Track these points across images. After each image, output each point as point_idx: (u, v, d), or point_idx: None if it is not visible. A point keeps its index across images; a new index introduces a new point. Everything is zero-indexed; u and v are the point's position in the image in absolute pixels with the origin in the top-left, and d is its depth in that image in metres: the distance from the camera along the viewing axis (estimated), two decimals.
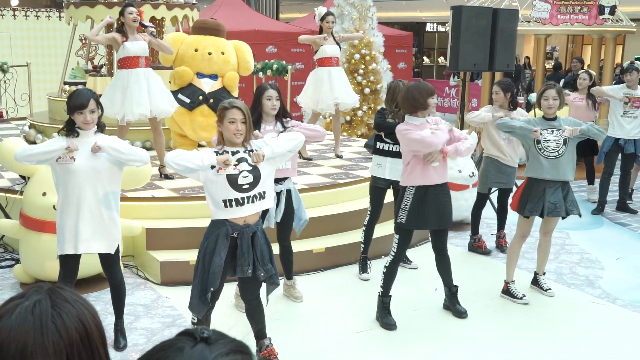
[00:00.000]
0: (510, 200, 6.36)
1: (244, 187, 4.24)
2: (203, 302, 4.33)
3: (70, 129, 4.56)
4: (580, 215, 5.90)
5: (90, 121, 4.50)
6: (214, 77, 8.41)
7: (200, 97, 8.25)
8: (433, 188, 5.26)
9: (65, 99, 4.62)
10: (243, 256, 4.31)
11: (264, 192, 4.35)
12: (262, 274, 4.40)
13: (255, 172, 4.28)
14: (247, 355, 1.14)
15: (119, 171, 4.68)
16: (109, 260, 4.83)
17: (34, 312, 1.36)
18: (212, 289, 4.30)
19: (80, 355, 1.37)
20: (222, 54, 8.46)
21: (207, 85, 8.35)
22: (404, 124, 5.26)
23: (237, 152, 4.28)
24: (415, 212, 5.26)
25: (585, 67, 11.94)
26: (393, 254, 5.40)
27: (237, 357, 1.12)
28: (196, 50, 8.32)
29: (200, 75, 8.36)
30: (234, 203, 4.25)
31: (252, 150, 4.30)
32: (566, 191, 5.78)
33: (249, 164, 4.27)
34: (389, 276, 5.44)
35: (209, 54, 8.35)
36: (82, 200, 4.58)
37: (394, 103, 6.08)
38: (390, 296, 5.45)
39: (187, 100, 8.24)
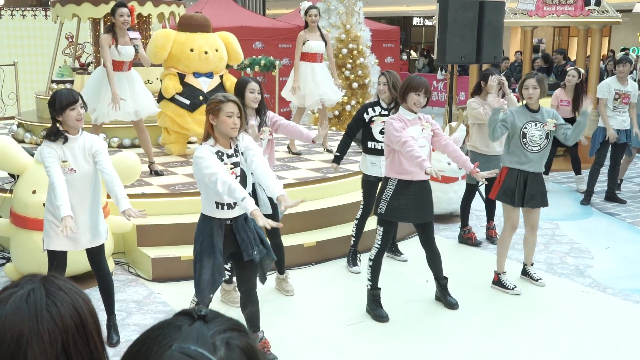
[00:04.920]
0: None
1: None
2: (212, 291, 4.44)
3: (57, 135, 4.52)
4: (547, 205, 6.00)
5: (82, 117, 4.52)
6: (209, 75, 8.42)
7: (201, 98, 8.25)
8: (415, 183, 5.29)
9: (48, 100, 4.56)
10: (244, 242, 4.38)
11: (249, 192, 4.43)
12: (258, 255, 4.46)
13: (244, 176, 4.36)
14: (244, 333, 1.16)
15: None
16: (95, 253, 4.85)
17: (28, 301, 1.36)
18: (222, 280, 4.43)
19: (75, 342, 1.37)
20: (217, 51, 8.44)
21: (205, 84, 8.35)
22: (396, 117, 5.28)
23: (232, 155, 4.30)
24: (395, 204, 5.28)
25: (571, 60, 12.00)
26: (378, 245, 5.42)
27: (234, 334, 1.13)
28: (192, 50, 8.28)
29: (197, 74, 8.35)
30: (225, 207, 4.33)
31: (242, 152, 4.36)
32: (541, 181, 5.90)
33: (241, 169, 4.33)
34: (375, 268, 5.46)
35: (205, 53, 8.32)
36: (81, 204, 4.64)
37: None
38: (380, 288, 5.47)
39: (187, 102, 8.25)
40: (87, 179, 4.63)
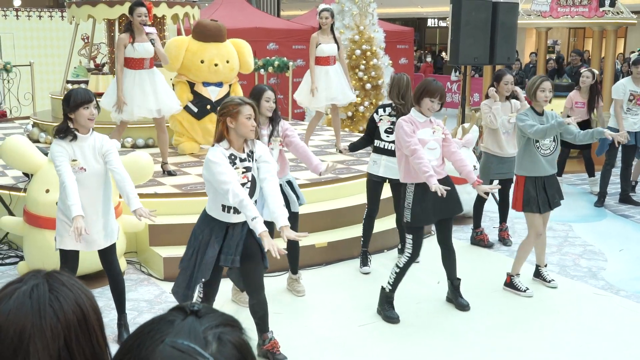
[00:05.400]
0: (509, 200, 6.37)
1: None
2: (191, 292, 4.40)
3: (66, 132, 4.55)
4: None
5: (94, 117, 4.55)
6: (219, 84, 8.49)
7: (208, 107, 8.33)
8: None
9: (63, 97, 4.60)
10: (227, 246, 4.36)
11: (256, 200, 4.43)
12: (229, 263, 4.40)
13: (254, 182, 4.34)
14: (237, 328, 1.16)
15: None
16: (107, 253, 4.89)
17: (31, 296, 1.38)
18: (202, 280, 4.39)
19: (77, 338, 1.39)
20: (227, 62, 8.48)
21: (214, 94, 8.42)
22: (407, 118, 5.27)
23: (245, 159, 4.29)
24: (418, 209, 5.25)
25: (586, 60, 11.94)
26: (409, 254, 5.35)
27: (227, 329, 1.13)
28: (202, 62, 8.32)
29: (206, 84, 8.41)
30: (232, 210, 4.31)
31: (256, 158, 4.34)
32: (556, 179, 5.91)
33: (252, 175, 4.32)
34: (401, 274, 5.40)
35: (215, 65, 8.36)
36: (92, 204, 4.67)
37: (399, 95, 6.09)
38: (394, 291, 5.47)
39: (195, 110, 8.33)
40: (98, 178, 4.66)
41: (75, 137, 4.54)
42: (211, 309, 1.18)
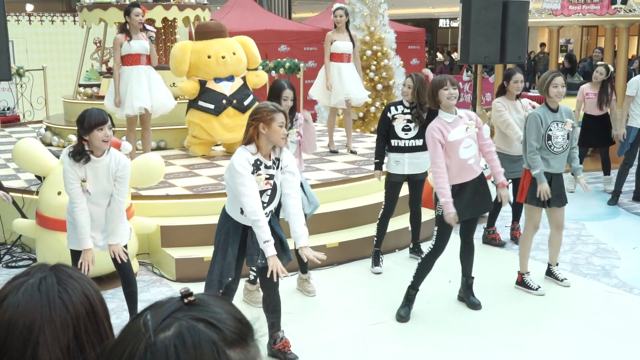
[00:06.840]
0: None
1: (263, 203, 4.31)
2: (220, 287, 4.48)
3: (81, 154, 4.48)
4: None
5: (108, 139, 4.48)
6: (230, 78, 8.52)
7: (224, 101, 8.35)
8: (470, 182, 5.25)
9: (77, 118, 4.52)
10: (253, 246, 4.38)
11: (275, 209, 4.50)
12: (256, 262, 4.44)
13: (275, 189, 4.36)
14: (216, 331, 1.08)
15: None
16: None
17: (40, 289, 1.40)
18: (229, 279, 4.44)
19: (86, 328, 1.41)
20: (234, 54, 8.53)
21: (227, 88, 8.46)
22: (436, 126, 5.15)
23: (270, 167, 4.31)
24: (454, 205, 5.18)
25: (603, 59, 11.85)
26: (432, 246, 5.31)
27: (200, 326, 1.08)
28: (209, 57, 8.39)
29: (217, 80, 8.44)
30: None
31: (282, 167, 4.37)
32: (562, 181, 5.89)
33: (274, 182, 4.34)
34: (423, 269, 5.36)
35: (223, 57, 8.41)
36: (98, 217, 4.72)
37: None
38: (418, 290, 5.41)
39: (212, 106, 8.35)
40: (107, 196, 4.66)
41: (88, 159, 4.50)
42: (220, 304, 1.13)
